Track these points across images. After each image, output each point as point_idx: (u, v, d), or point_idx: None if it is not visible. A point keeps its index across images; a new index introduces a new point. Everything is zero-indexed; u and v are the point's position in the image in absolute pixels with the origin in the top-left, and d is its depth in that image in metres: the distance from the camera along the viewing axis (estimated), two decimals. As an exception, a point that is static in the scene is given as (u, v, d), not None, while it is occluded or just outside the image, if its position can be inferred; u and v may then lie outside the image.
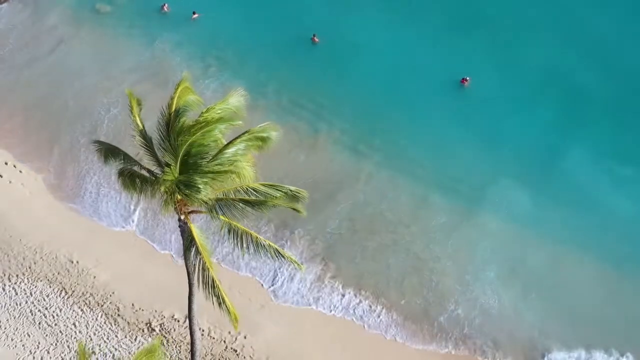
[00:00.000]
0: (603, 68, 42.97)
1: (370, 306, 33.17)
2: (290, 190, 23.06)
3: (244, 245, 22.64)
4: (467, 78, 42.31)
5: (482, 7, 47.37)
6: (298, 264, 23.08)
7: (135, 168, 23.01)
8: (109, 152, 23.96)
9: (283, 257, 23.02)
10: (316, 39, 45.47)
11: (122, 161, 23.38)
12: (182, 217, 22.50)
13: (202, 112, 22.64)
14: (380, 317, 32.76)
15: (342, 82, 43.14)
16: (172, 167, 21.69)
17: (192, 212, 23.11)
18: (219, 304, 22.19)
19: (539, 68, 43.31)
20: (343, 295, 33.45)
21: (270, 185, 23.12)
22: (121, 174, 23.03)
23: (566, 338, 31.97)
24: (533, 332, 32.19)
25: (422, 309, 33.00)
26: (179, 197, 21.73)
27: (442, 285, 33.72)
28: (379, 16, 47.23)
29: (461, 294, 33.36)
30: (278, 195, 22.82)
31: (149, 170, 23.01)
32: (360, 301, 33.30)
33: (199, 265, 22.14)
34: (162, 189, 21.37)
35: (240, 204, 22.47)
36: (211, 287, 21.93)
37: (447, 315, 32.70)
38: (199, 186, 21.27)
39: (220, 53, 45.35)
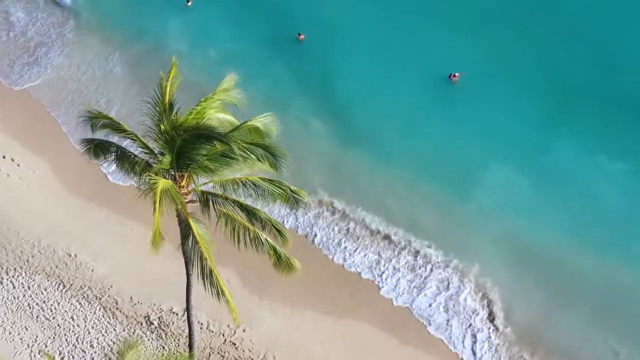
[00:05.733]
0: (593, 61, 42.65)
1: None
2: (291, 191, 22.49)
3: (241, 241, 22.29)
4: (456, 74, 42.03)
5: (471, 1, 47.11)
6: (292, 267, 22.64)
7: (131, 157, 22.78)
8: (98, 148, 23.61)
9: (280, 258, 22.66)
10: (301, 37, 45.31)
11: (114, 154, 23.07)
12: (179, 206, 22.23)
13: (199, 102, 22.43)
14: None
15: (327, 79, 42.96)
16: (166, 157, 21.45)
17: (189, 202, 22.88)
18: (217, 295, 21.87)
19: (529, 62, 42.99)
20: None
21: (270, 180, 22.53)
22: (118, 158, 22.85)
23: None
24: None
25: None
26: (171, 185, 21.41)
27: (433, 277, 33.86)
28: (363, 14, 47.09)
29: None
30: (278, 192, 22.32)
31: (142, 160, 22.76)
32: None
33: (196, 255, 21.84)
34: (155, 179, 21.06)
35: (232, 204, 22.17)
36: (209, 277, 21.62)
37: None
38: (193, 176, 21.08)
39: (208, 45, 45.53)
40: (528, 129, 39.55)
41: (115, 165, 23.42)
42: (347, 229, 35.98)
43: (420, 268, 34.22)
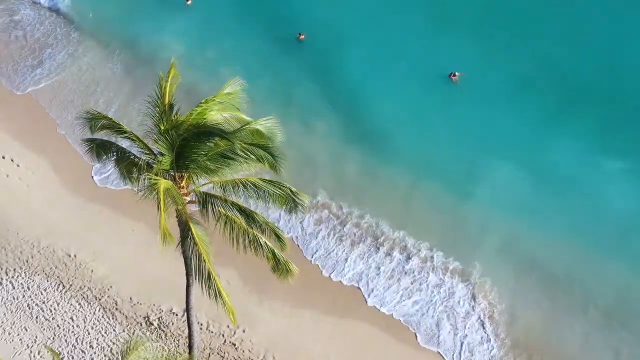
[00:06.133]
0: (594, 61, 42.70)
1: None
2: (291, 192, 22.22)
3: (240, 243, 22.17)
4: (456, 73, 42.01)
5: (471, 1, 47.12)
6: (290, 271, 22.53)
7: (131, 157, 22.70)
8: (100, 148, 23.45)
9: (278, 261, 22.52)
10: (302, 37, 45.14)
11: (115, 154, 22.98)
12: (179, 207, 22.16)
13: (200, 103, 22.35)
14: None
15: (328, 79, 42.82)
16: (166, 157, 21.38)
17: (189, 202, 22.81)
18: (215, 297, 21.72)
19: (529, 62, 42.98)
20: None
21: (270, 181, 22.34)
22: (117, 163, 22.75)
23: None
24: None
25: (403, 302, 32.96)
26: (171, 186, 21.32)
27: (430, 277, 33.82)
28: (364, 13, 46.92)
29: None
30: (278, 193, 22.10)
31: (143, 161, 22.65)
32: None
33: (195, 256, 21.72)
34: (156, 179, 20.97)
35: (231, 206, 22.03)
36: (207, 279, 21.47)
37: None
38: (192, 177, 20.98)
39: (208, 44, 45.37)
40: (528, 129, 39.54)
41: (114, 166, 23.25)
42: (346, 235, 35.58)
43: (416, 272, 33.94)
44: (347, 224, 36.03)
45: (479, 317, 32.11)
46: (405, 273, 33.93)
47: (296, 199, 22.19)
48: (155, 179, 20.76)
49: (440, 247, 34.77)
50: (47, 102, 43.28)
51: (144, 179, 21.06)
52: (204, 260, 21.32)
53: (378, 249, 34.94)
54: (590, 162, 37.59)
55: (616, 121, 39.53)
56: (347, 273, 33.99)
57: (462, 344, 31.27)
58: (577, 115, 39.87)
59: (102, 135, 23.93)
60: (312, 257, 34.64)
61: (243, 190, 22.23)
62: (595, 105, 40.40)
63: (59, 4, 49.58)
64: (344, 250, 34.94)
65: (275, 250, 22.43)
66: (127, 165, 22.61)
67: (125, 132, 22.81)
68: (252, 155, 21.29)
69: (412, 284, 33.49)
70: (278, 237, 22.34)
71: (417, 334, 31.65)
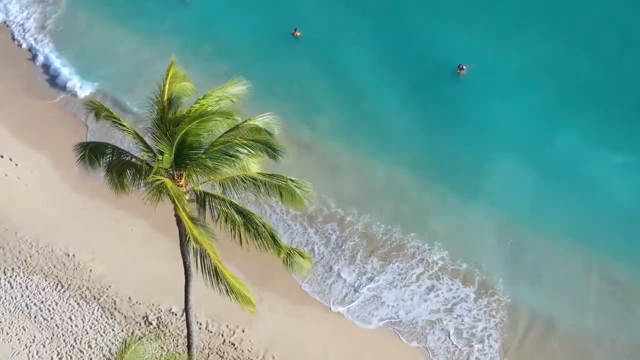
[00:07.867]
0: (598, 56, 42.64)
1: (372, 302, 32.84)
2: (292, 181, 21.79)
3: (242, 238, 21.88)
4: (464, 66, 41.86)
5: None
6: (303, 256, 22.16)
7: (127, 159, 22.43)
8: (92, 153, 22.90)
9: (282, 249, 22.16)
10: (298, 33, 44.61)
11: (111, 156, 22.63)
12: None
13: (198, 99, 22.19)
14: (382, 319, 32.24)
15: (327, 75, 42.54)
16: (165, 155, 21.17)
17: (188, 201, 22.58)
18: (227, 292, 20.99)
19: (535, 56, 42.93)
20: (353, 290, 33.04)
21: (270, 175, 21.99)
22: (109, 169, 22.40)
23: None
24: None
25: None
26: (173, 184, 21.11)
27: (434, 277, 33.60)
28: (364, 5, 46.58)
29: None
30: (279, 184, 21.67)
31: (142, 160, 22.38)
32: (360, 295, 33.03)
33: (198, 254, 21.28)
34: (155, 176, 20.72)
35: (229, 206, 21.73)
36: (214, 275, 21.04)
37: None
38: (192, 175, 20.79)
39: (205, 40, 45.21)
40: (535, 123, 39.46)
41: (105, 173, 22.94)
42: (346, 237, 35.17)
43: (418, 274, 33.61)
44: (349, 225, 35.69)
45: (485, 322, 31.81)
46: (407, 274, 33.71)
47: (299, 187, 21.75)
48: (160, 180, 20.46)
49: (445, 248, 34.39)
50: (46, 100, 43.19)
51: (150, 181, 20.66)
52: (209, 256, 20.85)
53: (380, 251, 34.68)
54: (598, 158, 37.38)
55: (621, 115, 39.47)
56: (350, 275, 33.69)
57: (461, 347, 31.06)
58: (590, 109, 39.72)
59: (96, 138, 23.68)
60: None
61: (243, 186, 21.97)
62: (601, 100, 40.28)
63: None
64: (344, 257, 34.52)
65: (277, 237, 21.57)
66: (122, 168, 22.28)
67: (124, 127, 22.61)
68: (251, 151, 21.11)
69: (412, 285, 33.28)
70: (275, 241, 21.78)
71: (416, 335, 31.48)
